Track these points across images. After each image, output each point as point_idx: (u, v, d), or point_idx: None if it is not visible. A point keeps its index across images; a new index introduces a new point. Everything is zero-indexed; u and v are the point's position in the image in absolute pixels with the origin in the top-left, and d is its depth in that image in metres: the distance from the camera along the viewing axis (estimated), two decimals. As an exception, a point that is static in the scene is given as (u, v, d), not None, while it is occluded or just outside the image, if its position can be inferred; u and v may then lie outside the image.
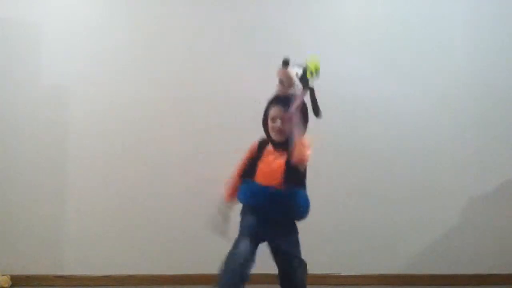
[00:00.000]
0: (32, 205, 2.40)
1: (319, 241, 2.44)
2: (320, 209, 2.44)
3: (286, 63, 1.61)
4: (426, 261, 2.45)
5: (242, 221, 1.72)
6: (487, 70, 2.51)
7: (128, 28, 2.46)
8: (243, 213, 1.74)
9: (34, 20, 2.43)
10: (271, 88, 2.44)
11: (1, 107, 2.41)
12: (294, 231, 1.74)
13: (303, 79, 1.61)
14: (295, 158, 1.57)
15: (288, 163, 1.61)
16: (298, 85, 1.61)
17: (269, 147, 1.70)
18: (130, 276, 2.40)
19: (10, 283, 2.33)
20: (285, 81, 1.61)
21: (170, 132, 2.45)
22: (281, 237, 1.69)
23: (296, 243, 1.73)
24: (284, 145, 1.64)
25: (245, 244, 1.64)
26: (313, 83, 1.63)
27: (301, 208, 1.69)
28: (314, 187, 2.45)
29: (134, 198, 2.42)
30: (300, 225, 2.41)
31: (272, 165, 1.65)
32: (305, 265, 1.74)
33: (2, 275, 2.32)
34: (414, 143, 2.48)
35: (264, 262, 2.23)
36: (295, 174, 1.63)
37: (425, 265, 2.45)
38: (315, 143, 1.62)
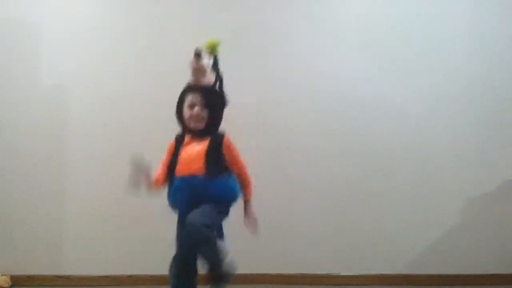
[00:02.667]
0: (32, 205, 2.40)
1: (319, 241, 2.44)
2: (320, 209, 2.46)
3: (198, 54, 1.63)
4: (426, 261, 2.45)
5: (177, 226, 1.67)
6: (487, 70, 2.51)
7: (128, 28, 2.47)
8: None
9: (34, 20, 2.43)
10: (271, 88, 2.46)
11: (1, 107, 2.41)
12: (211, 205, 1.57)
13: (215, 67, 1.65)
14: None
15: (210, 149, 1.57)
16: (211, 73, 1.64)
17: (187, 139, 1.64)
18: (130, 276, 2.40)
19: (10, 283, 2.33)
20: (199, 72, 1.63)
21: (170, 132, 2.44)
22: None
23: (210, 213, 1.52)
24: (202, 132, 1.61)
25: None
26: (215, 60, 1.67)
27: (229, 194, 1.60)
28: (314, 187, 2.48)
29: (134, 198, 2.41)
30: (301, 225, 2.43)
31: (191, 152, 1.59)
32: (213, 238, 1.50)
33: (2, 275, 2.32)
34: (414, 143, 2.48)
35: (264, 262, 2.24)
36: (219, 161, 1.58)
37: (425, 265, 2.45)
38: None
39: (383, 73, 2.49)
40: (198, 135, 1.62)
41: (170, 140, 2.40)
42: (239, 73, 2.42)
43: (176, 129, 2.43)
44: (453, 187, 2.48)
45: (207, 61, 1.65)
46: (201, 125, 1.61)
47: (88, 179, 2.42)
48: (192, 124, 1.62)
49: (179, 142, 1.66)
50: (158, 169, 1.67)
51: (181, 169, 1.58)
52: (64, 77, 2.43)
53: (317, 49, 2.50)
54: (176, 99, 2.42)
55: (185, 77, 2.46)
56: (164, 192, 2.40)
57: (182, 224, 1.56)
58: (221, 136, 1.64)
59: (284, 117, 2.47)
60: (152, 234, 2.42)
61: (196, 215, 1.46)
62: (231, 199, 1.62)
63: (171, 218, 2.41)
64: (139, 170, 1.58)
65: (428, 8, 2.53)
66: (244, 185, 1.66)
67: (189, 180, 1.55)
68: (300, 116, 2.48)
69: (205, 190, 1.53)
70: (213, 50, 1.67)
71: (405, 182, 2.47)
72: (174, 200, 1.62)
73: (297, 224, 2.43)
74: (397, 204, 2.46)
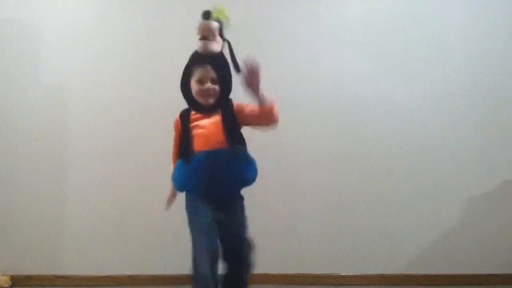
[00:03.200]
0: (32, 205, 2.40)
1: (319, 241, 2.44)
2: (320, 209, 2.46)
3: (207, 15, 1.50)
4: (426, 261, 2.45)
5: (193, 214, 1.52)
6: (488, 70, 2.51)
7: (128, 28, 2.47)
8: (191, 204, 1.54)
9: (34, 20, 2.43)
10: (271, 88, 2.46)
11: (1, 107, 2.41)
12: (241, 207, 1.57)
13: (221, 32, 1.54)
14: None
15: (226, 121, 1.47)
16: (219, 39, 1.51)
17: (194, 114, 1.54)
18: (130, 276, 2.40)
19: (10, 283, 2.33)
20: (209, 35, 1.49)
21: (170, 132, 2.45)
22: (228, 214, 1.50)
23: (244, 222, 1.55)
24: (212, 107, 1.50)
25: (208, 244, 1.44)
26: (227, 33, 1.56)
27: (251, 167, 1.52)
28: (314, 187, 2.48)
29: (134, 198, 2.42)
30: (301, 225, 2.43)
31: (209, 126, 1.48)
32: (253, 245, 1.58)
33: (2, 275, 2.32)
34: (414, 143, 2.48)
35: (264, 262, 2.24)
36: (237, 132, 1.49)
37: (425, 265, 2.45)
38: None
39: (384, 73, 2.49)
40: (208, 110, 1.52)
41: (170, 139, 2.43)
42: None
43: (173, 128, 2.45)
44: (453, 187, 2.48)
45: (216, 23, 1.51)
46: (211, 101, 1.51)
47: (88, 179, 2.42)
48: (202, 100, 1.51)
49: (185, 118, 1.55)
50: (173, 158, 1.66)
51: (200, 144, 1.46)
52: (64, 77, 2.43)
53: (317, 49, 2.50)
54: (176, 99, 2.44)
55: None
56: (164, 192, 2.43)
57: (205, 211, 1.46)
58: (231, 104, 1.55)
59: (284, 117, 2.46)
60: (152, 234, 2.42)
61: (242, 235, 1.49)
62: (253, 175, 1.53)
63: (171, 218, 2.41)
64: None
65: (428, 9, 2.53)
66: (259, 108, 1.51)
67: (213, 155, 1.44)
68: (300, 116, 2.48)
69: (231, 165, 1.46)
70: (222, 14, 1.55)
71: (405, 182, 2.47)
72: (196, 180, 1.48)
73: (297, 224, 2.43)
74: (397, 204, 2.46)
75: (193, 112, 1.55)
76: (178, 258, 2.43)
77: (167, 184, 2.44)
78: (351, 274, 2.44)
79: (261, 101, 1.45)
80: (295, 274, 2.42)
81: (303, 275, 2.40)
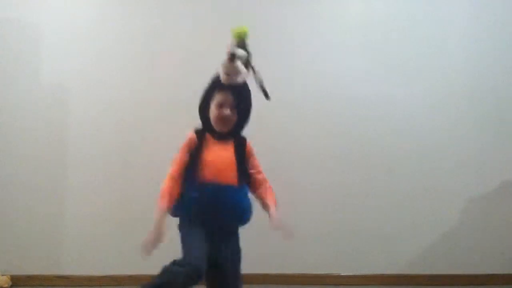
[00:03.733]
0: (32, 205, 2.40)
1: (319, 241, 2.44)
2: (320, 209, 2.46)
3: (233, 57, 1.46)
4: (426, 261, 2.45)
5: (187, 237, 1.48)
6: (487, 70, 2.51)
7: (128, 28, 2.47)
8: (186, 226, 1.51)
9: (34, 20, 2.43)
10: (271, 88, 2.45)
11: (1, 107, 2.41)
12: (237, 240, 1.57)
13: (247, 63, 1.51)
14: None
15: (239, 159, 1.47)
16: (243, 70, 1.50)
17: (208, 137, 1.51)
18: (130, 276, 2.40)
19: (10, 283, 2.33)
20: (233, 74, 1.48)
21: (170, 132, 2.45)
22: (226, 245, 1.51)
23: (239, 255, 1.56)
24: (227, 134, 1.50)
25: (193, 257, 1.43)
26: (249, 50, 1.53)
27: (250, 209, 1.53)
28: (314, 187, 2.47)
29: (134, 198, 2.42)
30: (301, 225, 2.42)
31: (223, 159, 1.47)
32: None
33: (2, 275, 2.31)
34: (414, 143, 2.48)
35: (264, 262, 2.24)
36: (246, 172, 1.50)
37: (425, 265, 2.45)
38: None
39: (383, 73, 2.49)
40: (222, 137, 1.52)
41: (170, 139, 2.42)
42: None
43: (176, 128, 2.45)
44: (453, 187, 2.48)
45: (240, 63, 1.49)
46: (227, 128, 1.51)
47: (88, 179, 2.41)
48: (218, 126, 1.51)
49: (199, 139, 1.51)
50: (173, 166, 1.52)
51: (211, 175, 1.44)
52: (64, 77, 2.43)
53: (317, 49, 2.50)
54: (176, 99, 2.45)
55: (185, 77, 2.47)
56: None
57: (202, 241, 1.43)
58: (244, 140, 1.56)
59: (284, 117, 2.47)
60: (152, 234, 2.42)
61: (237, 271, 1.49)
62: (249, 217, 1.54)
63: (171, 218, 2.41)
64: (160, 235, 1.50)
65: (428, 9, 2.53)
66: (267, 188, 1.58)
67: (221, 189, 1.43)
68: (300, 116, 2.48)
69: (238, 202, 1.47)
70: (242, 37, 1.52)
71: (405, 182, 2.47)
72: (196, 208, 1.46)
73: (297, 224, 2.41)
74: (397, 204, 2.46)
75: (207, 136, 1.53)
76: (178, 258, 2.44)
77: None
78: (351, 274, 2.44)
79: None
80: (295, 274, 2.42)
81: (303, 275, 2.40)
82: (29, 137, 2.41)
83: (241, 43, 1.52)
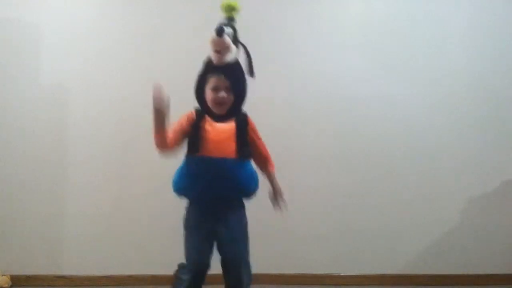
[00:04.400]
0: (32, 205, 2.40)
1: (319, 241, 2.44)
2: (320, 209, 2.46)
3: (221, 31, 1.46)
4: (426, 261, 2.45)
5: (189, 232, 1.57)
6: (487, 70, 2.51)
7: (128, 28, 2.47)
8: (189, 219, 1.59)
9: (34, 20, 2.43)
10: (271, 88, 2.46)
11: (0, 107, 2.41)
12: (241, 217, 1.60)
13: (235, 38, 1.53)
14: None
15: (239, 133, 1.51)
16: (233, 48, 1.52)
17: (207, 119, 1.54)
18: (130, 276, 2.40)
19: (10, 283, 2.33)
20: (223, 50, 1.48)
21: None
22: (227, 226, 1.54)
23: (244, 235, 1.59)
24: (225, 117, 1.53)
25: (197, 257, 1.54)
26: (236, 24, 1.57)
27: (254, 180, 1.57)
28: (314, 187, 2.47)
29: (134, 198, 2.42)
30: (301, 225, 2.42)
31: (222, 133, 1.50)
32: (250, 270, 1.62)
33: (2, 275, 2.32)
34: (414, 143, 2.48)
35: (264, 262, 2.24)
36: (246, 146, 1.53)
37: (425, 265, 2.45)
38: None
39: (383, 73, 2.49)
40: (221, 119, 1.53)
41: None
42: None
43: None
44: (453, 187, 2.48)
45: (229, 38, 1.49)
46: (224, 110, 1.53)
47: (88, 179, 2.42)
48: (215, 109, 1.53)
49: (200, 116, 1.54)
50: (169, 130, 1.51)
51: (210, 149, 1.47)
52: (64, 77, 2.43)
53: (317, 49, 2.50)
54: (176, 99, 2.44)
55: (185, 77, 2.46)
56: (164, 192, 2.42)
57: (203, 215, 1.54)
58: (245, 116, 1.58)
59: (284, 117, 2.47)
60: (152, 234, 2.42)
61: (240, 254, 1.55)
62: (255, 188, 1.58)
63: (171, 218, 2.41)
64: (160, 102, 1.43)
65: (428, 8, 2.53)
66: (268, 160, 1.66)
67: (220, 163, 1.46)
68: (300, 116, 2.48)
69: (235, 175, 1.49)
70: (231, 11, 1.55)
71: (405, 182, 2.47)
72: (194, 181, 1.50)
73: (297, 224, 2.43)
74: (397, 204, 2.47)
75: (206, 118, 1.56)
76: (178, 258, 2.44)
77: (168, 184, 2.44)
78: (351, 274, 2.44)
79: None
80: (295, 274, 2.42)
81: (303, 275, 2.40)
82: (29, 137, 2.41)
83: (231, 18, 1.54)
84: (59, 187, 2.41)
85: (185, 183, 1.53)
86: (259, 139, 1.63)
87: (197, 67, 2.45)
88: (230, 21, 1.55)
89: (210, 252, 1.56)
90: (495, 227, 2.47)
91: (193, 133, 1.51)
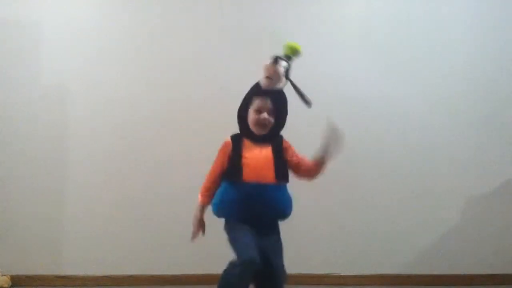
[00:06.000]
0: (32, 205, 2.40)
1: (320, 241, 2.44)
2: (320, 209, 2.46)
3: (276, 60, 1.58)
4: (426, 261, 2.45)
5: (234, 232, 1.55)
6: (487, 70, 2.51)
7: (128, 28, 2.47)
8: (231, 228, 1.57)
9: (34, 20, 2.43)
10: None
11: (1, 107, 2.41)
12: (278, 233, 1.63)
13: (287, 74, 1.61)
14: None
15: (276, 157, 1.55)
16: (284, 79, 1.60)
17: (245, 141, 1.58)
18: (130, 276, 2.40)
19: (10, 283, 2.33)
20: (274, 78, 1.58)
21: (170, 132, 2.45)
22: (267, 239, 1.56)
23: (282, 252, 1.61)
24: (265, 138, 1.57)
25: (250, 252, 1.47)
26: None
27: (291, 203, 1.61)
28: (314, 187, 2.47)
29: (134, 198, 2.42)
30: (301, 225, 2.42)
31: (261, 158, 1.54)
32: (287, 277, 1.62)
33: (2, 275, 2.31)
34: (414, 143, 2.48)
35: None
36: (284, 168, 1.57)
37: (425, 265, 2.45)
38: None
39: (384, 73, 2.50)
40: (259, 140, 1.57)
41: (170, 139, 2.44)
42: (238, 73, 2.42)
43: (175, 128, 2.46)
44: (453, 187, 2.48)
45: (281, 69, 1.59)
46: (265, 131, 1.57)
47: (88, 179, 2.42)
48: (256, 130, 1.57)
49: (237, 143, 1.58)
50: (210, 169, 1.60)
51: (250, 175, 1.51)
52: (64, 77, 2.43)
53: (317, 49, 2.50)
54: (176, 99, 2.45)
55: (185, 77, 2.48)
56: (164, 192, 2.43)
57: (247, 236, 1.51)
58: (281, 139, 1.62)
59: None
60: (152, 234, 2.42)
61: (280, 263, 1.54)
62: (291, 210, 1.61)
63: (171, 218, 2.42)
64: (200, 226, 1.60)
65: (428, 9, 2.53)
66: (310, 166, 1.63)
67: (260, 188, 1.50)
68: (300, 116, 2.47)
69: (274, 200, 1.53)
70: (293, 53, 1.64)
71: (405, 182, 2.47)
72: (240, 208, 1.53)
73: (297, 224, 2.41)
74: (397, 204, 2.47)
75: (244, 141, 1.59)
76: (178, 258, 2.44)
77: (168, 184, 2.45)
78: (351, 274, 2.44)
79: (323, 162, 1.58)
80: (295, 274, 2.41)
81: (303, 275, 2.40)
82: (29, 137, 2.41)
83: (288, 57, 1.63)
84: (59, 187, 2.41)
85: (225, 207, 1.57)
86: (297, 155, 1.64)
87: (197, 68, 2.48)
88: (288, 59, 1.63)
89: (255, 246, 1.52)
90: (495, 227, 2.47)
91: (233, 161, 1.55)
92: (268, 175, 1.52)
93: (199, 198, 1.61)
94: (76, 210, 2.41)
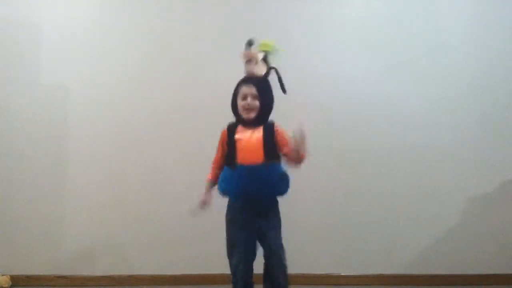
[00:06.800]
0: (32, 205, 2.40)
1: (319, 241, 2.44)
2: (320, 209, 2.46)
3: (250, 43, 1.76)
4: (426, 261, 2.45)
5: (230, 229, 1.72)
6: (487, 71, 2.51)
7: (128, 28, 2.47)
8: (231, 217, 1.73)
9: (34, 20, 2.43)
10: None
11: (1, 107, 2.41)
12: (277, 211, 1.76)
13: (266, 61, 1.77)
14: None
15: (266, 140, 1.67)
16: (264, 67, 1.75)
17: (239, 127, 1.73)
18: (130, 276, 2.41)
19: (10, 283, 2.33)
20: (252, 59, 1.74)
21: (169, 132, 2.46)
22: (267, 218, 1.71)
23: (279, 234, 1.74)
24: (254, 122, 1.70)
25: (243, 261, 1.69)
26: (274, 62, 1.80)
27: (285, 181, 1.71)
28: (314, 186, 2.47)
29: (134, 198, 2.43)
30: (301, 225, 2.42)
31: (250, 140, 1.68)
32: (286, 266, 1.76)
33: (2, 275, 2.32)
34: (414, 143, 2.48)
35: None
36: (274, 151, 1.68)
37: (425, 265, 2.45)
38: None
39: (383, 73, 2.49)
40: (250, 124, 1.70)
41: (170, 139, 2.44)
42: (238, 73, 2.42)
43: (175, 128, 2.46)
44: (453, 187, 2.48)
45: (257, 50, 1.75)
46: (252, 115, 1.70)
47: (88, 179, 2.42)
48: (244, 114, 1.70)
49: (231, 130, 1.73)
50: (212, 165, 1.78)
51: (243, 158, 1.66)
52: (64, 77, 2.43)
53: (317, 49, 2.50)
54: (176, 99, 2.45)
55: (185, 78, 2.48)
56: (164, 192, 2.43)
57: (245, 213, 1.68)
58: (271, 124, 1.73)
59: (283, 117, 2.46)
60: (152, 234, 2.42)
61: (279, 239, 1.71)
62: (286, 188, 1.71)
63: (171, 218, 2.42)
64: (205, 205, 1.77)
65: (428, 9, 2.53)
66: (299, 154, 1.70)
67: (253, 170, 1.64)
68: (299, 116, 2.47)
69: (266, 178, 1.65)
70: (267, 48, 1.78)
71: (405, 182, 2.47)
72: (236, 187, 1.67)
73: (297, 224, 2.42)
74: (397, 204, 2.46)
75: (239, 127, 1.73)
76: (178, 258, 2.44)
77: (168, 184, 2.46)
78: (351, 274, 2.44)
79: (298, 153, 1.65)
80: (295, 274, 2.41)
81: (303, 275, 2.40)
82: (29, 137, 2.41)
83: (265, 51, 1.79)
84: (59, 187, 2.41)
85: (225, 187, 1.71)
86: (283, 138, 1.72)
87: (197, 68, 2.48)
88: (264, 51, 1.79)
89: (253, 256, 1.73)
90: (495, 227, 2.47)
91: (229, 147, 1.72)
92: (259, 156, 1.65)
93: (207, 176, 1.79)
94: (76, 210, 2.41)
